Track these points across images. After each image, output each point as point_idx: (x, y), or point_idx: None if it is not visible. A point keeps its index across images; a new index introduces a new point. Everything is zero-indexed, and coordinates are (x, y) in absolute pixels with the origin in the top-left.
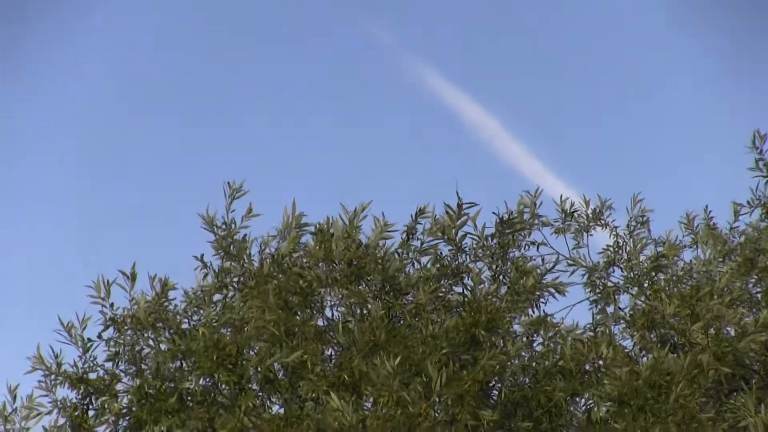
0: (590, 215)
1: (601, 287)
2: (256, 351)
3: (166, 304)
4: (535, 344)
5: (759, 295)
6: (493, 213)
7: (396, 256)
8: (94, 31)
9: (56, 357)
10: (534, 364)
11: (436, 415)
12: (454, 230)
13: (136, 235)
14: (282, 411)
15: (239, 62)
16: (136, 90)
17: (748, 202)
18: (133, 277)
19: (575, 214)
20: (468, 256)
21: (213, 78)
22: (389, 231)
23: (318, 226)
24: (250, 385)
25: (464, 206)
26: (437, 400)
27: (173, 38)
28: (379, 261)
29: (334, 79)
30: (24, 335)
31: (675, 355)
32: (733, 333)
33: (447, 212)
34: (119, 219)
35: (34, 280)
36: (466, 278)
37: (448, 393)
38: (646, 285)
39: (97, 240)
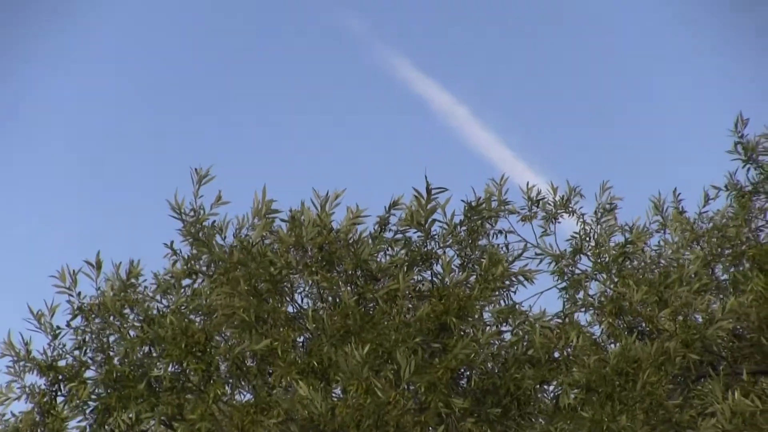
0: (557, 203)
1: (569, 275)
2: (225, 338)
3: (133, 288)
4: (504, 333)
5: (726, 282)
6: (462, 200)
7: (369, 242)
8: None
9: (26, 344)
10: (503, 352)
11: (406, 403)
12: (423, 216)
13: (107, 225)
14: (251, 398)
15: (208, 50)
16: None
17: (725, 186)
18: (98, 266)
19: (542, 202)
20: (437, 243)
21: (183, 68)
22: (361, 217)
23: (290, 211)
24: (218, 373)
25: (433, 192)
26: (406, 387)
27: (146, 28)
28: (351, 246)
29: (304, 67)
30: None
31: (643, 342)
32: (701, 320)
33: (416, 197)
34: (91, 208)
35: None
36: (436, 265)
37: (420, 381)
38: (614, 272)
39: (74, 228)
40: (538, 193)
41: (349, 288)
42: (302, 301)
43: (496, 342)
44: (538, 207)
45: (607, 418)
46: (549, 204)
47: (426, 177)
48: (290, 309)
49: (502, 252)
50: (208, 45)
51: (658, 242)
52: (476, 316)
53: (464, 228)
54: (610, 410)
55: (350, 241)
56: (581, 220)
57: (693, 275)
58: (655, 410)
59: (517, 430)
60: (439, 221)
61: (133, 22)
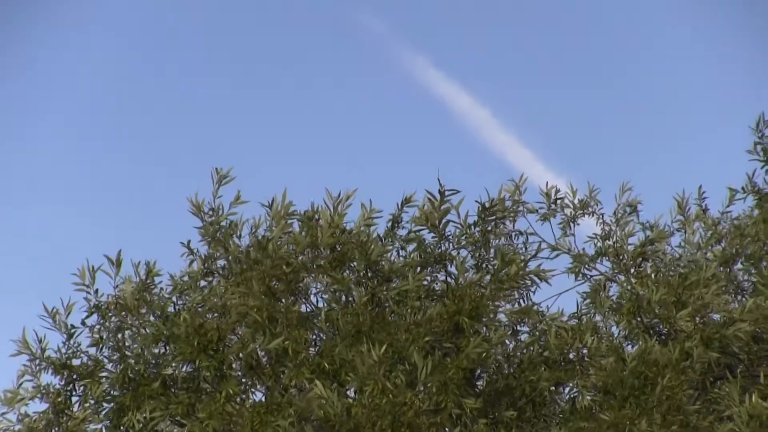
0: (577, 204)
1: (588, 277)
2: (239, 337)
3: (151, 288)
4: (520, 334)
5: (745, 283)
6: (476, 201)
7: (380, 242)
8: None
9: (40, 342)
10: (518, 353)
11: (421, 404)
12: (437, 218)
13: (127, 224)
14: (264, 399)
15: (226, 48)
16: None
17: (743, 188)
18: (118, 263)
19: (560, 202)
20: (451, 244)
21: (197, 67)
22: (374, 218)
23: (305, 213)
24: (231, 372)
25: (447, 193)
26: (422, 388)
27: (156, 24)
28: (363, 246)
29: (323, 67)
30: (9, 320)
31: (663, 344)
32: (718, 319)
33: (429, 199)
34: (110, 207)
35: (25, 265)
36: (450, 266)
37: (432, 381)
38: (632, 272)
39: (89, 228)
40: (557, 191)
41: (360, 289)
42: (316, 301)
43: (511, 342)
44: (556, 206)
45: (628, 421)
46: (568, 205)
47: (439, 179)
48: (303, 309)
49: (519, 252)
50: (223, 43)
51: (680, 242)
52: (490, 317)
53: (478, 229)
54: (629, 414)
55: (362, 241)
56: (601, 220)
57: (711, 276)
58: (674, 414)
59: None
60: (453, 222)
61: (146, 19)
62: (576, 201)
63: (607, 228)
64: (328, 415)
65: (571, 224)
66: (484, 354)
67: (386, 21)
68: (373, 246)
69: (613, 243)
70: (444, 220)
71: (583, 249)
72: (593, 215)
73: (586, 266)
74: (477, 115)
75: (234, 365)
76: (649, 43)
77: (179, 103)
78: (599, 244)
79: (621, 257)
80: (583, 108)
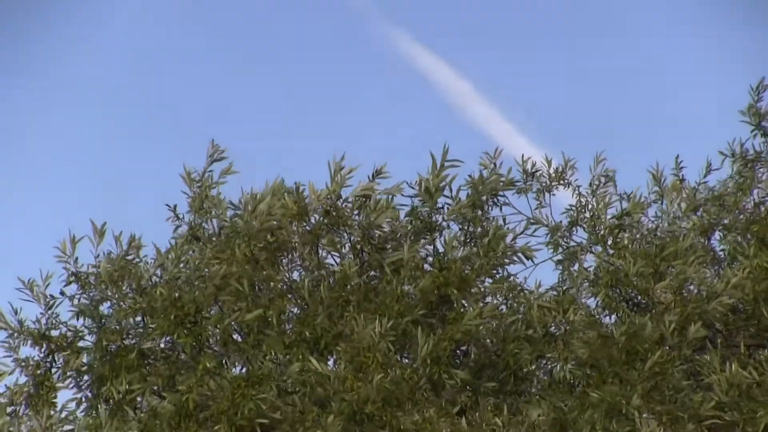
0: (552, 174)
1: (564, 247)
2: (220, 306)
3: (134, 259)
4: (500, 307)
5: (722, 254)
6: (469, 176)
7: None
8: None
9: (16, 313)
10: (501, 329)
11: (419, 379)
12: (433, 186)
13: (117, 199)
14: (243, 371)
15: (209, 26)
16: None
17: (732, 153)
18: (101, 233)
19: (537, 174)
20: (442, 216)
21: (185, 47)
22: (371, 188)
23: (295, 184)
24: (208, 344)
25: (446, 164)
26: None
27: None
28: (362, 210)
29: (305, 41)
30: None
31: (650, 320)
32: (697, 292)
33: (432, 162)
34: (97, 182)
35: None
36: (439, 237)
37: (425, 352)
38: (609, 244)
39: (74, 204)
40: (533, 165)
41: (351, 257)
42: (299, 274)
43: (496, 317)
44: (533, 179)
45: (625, 400)
46: (544, 176)
47: (446, 145)
48: (285, 279)
49: (501, 227)
50: (203, 20)
51: (656, 212)
52: (479, 289)
53: (469, 204)
54: (620, 390)
55: (363, 204)
56: (577, 192)
57: (689, 247)
58: (662, 391)
59: (512, 403)
60: (445, 195)
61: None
62: (551, 171)
63: (583, 200)
64: (328, 392)
65: (546, 194)
66: (480, 326)
67: None
68: (377, 210)
69: (589, 213)
70: (441, 185)
71: (560, 221)
72: (569, 186)
73: (563, 238)
74: (459, 88)
75: (210, 339)
76: (638, 13)
77: (168, 80)
78: (575, 215)
79: (597, 228)
80: (566, 81)
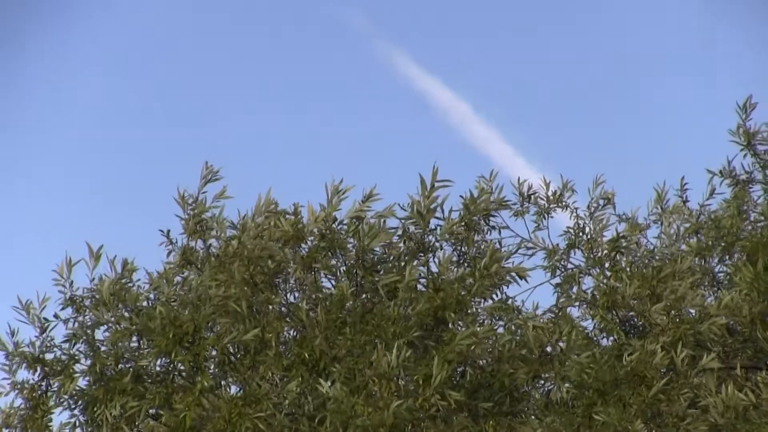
0: (551, 197)
1: (562, 270)
2: (216, 329)
3: (127, 284)
4: (497, 328)
5: (721, 275)
6: (461, 197)
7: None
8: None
9: (13, 335)
10: (497, 350)
11: (431, 407)
12: (424, 207)
13: (114, 220)
14: (240, 392)
15: (206, 45)
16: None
17: (720, 172)
18: (97, 257)
19: (534, 197)
20: (435, 237)
21: (183, 65)
22: (364, 210)
23: (293, 205)
24: (206, 365)
25: (437, 184)
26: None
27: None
28: (357, 233)
29: (303, 63)
30: None
31: (637, 338)
32: (694, 314)
33: (421, 183)
34: (94, 202)
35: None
36: (432, 259)
37: (418, 373)
38: (607, 265)
39: (75, 219)
40: (530, 187)
41: (346, 279)
42: (295, 297)
43: (492, 338)
44: (530, 202)
45: (630, 425)
46: (542, 199)
47: (435, 166)
48: (283, 301)
49: (498, 249)
50: (206, 40)
51: (657, 234)
52: (473, 311)
53: (463, 225)
54: (620, 414)
55: (356, 228)
56: (574, 214)
57: (686, 269)
58: (665, 417)
59: (510, 424)
60: (437, 217)
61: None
62: (549, 194)
63: (581, 222)
64: (343, 417)
65: (545, 216)
66: (473, 347)
67: (367, 16)
68: (370, 234)
69: (587, 236)
70: (432, 206)
71: (557, 244)
72: (567, 209)
73: (560, 261)
74: (458, 109)
75: (208, 360)
76: (630, 34)
77: (163, 99)
78: (573, 238)
79: (594, 250)
80: (564, 103)
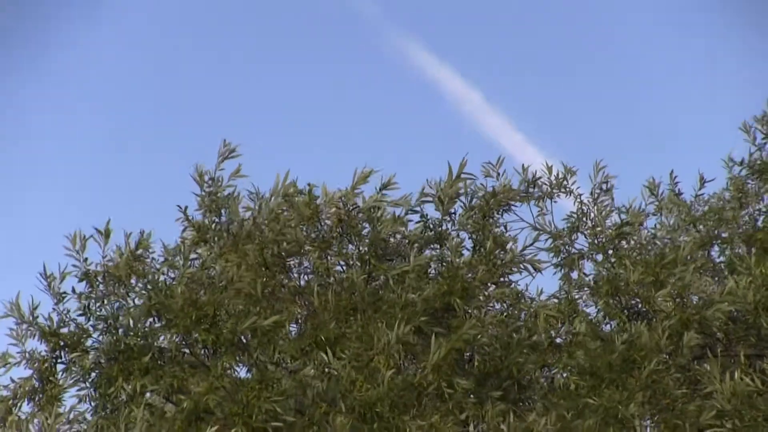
0: (553, 182)
1: (566, 254)
2: (233, 311)
3: (143, 257)
4: (505, 315)
5: (722, 264)
6: (481, 184)
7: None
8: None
9: (33, 309)
10: (505, 337)
11: (428, 385)
12: (446, 195)
13: (129, 196)
14: (254, 374)
15: (218, 36)
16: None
17: (741, 162)
18: (106, 234)
19: (538, 182)
20: (452, 224)
21: (197, 54)
22: (383, 200)
23: (308, 186)
24: (227, 345)
25: (462, 175)
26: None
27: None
28: (373, 221)
29: (316, 51)
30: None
31: (642, 325)
32: (697, 300)
33: (449, 172)
34: (116, 176)
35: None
36: (446, 246)
37: (425, 360)
38: (610, 252)
39: (95, 198)
40: (534, 173)
41: (358, 266)
42: (306, 279)
43: (498, 328)
44: (534, 188)
45: (621, 405)
46: (545, 183)
47: (465, 158)
48: (296, 284)
49: (507, 235)
50: (217, 30)
51: (655, 224)
52: (480, 298)
53: (479, 214)
54: (618, 397)
55: (373, 216)
56: (578, 199)
57: (689, 257)
58: (659, 398)
59: (516, 411)
60: (460, 201)
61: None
62: (552, 179)
63: (585, 207)
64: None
65: (548, 200)
66: (479, 335)
67: (380, 4)
68: (384, 223)
69: (591, 221)
70: (453, 197)
71: (563, 228)
72: (570, 194)
73: (564, 245)
74: (470, 98)
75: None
76: (649, 27)
77: (180, 84)
78: (575, 222)
79: (598, 236)
80: (576, 92)
